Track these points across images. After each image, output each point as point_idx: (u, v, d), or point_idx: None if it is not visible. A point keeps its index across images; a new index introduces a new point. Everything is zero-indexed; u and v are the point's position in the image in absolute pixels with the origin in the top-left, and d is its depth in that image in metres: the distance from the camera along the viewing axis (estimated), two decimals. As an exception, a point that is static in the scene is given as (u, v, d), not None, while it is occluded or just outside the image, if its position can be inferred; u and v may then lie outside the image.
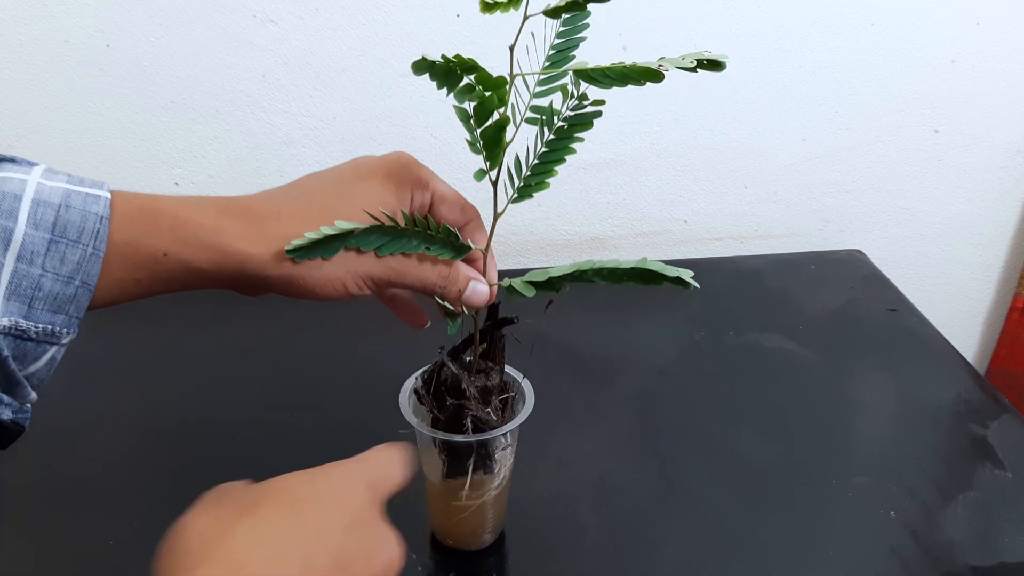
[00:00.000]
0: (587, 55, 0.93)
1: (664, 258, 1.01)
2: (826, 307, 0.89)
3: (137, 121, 0.84)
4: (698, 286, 0.45)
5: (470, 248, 0.48)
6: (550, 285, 0.50)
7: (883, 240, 1.06)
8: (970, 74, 0.97)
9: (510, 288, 0.49)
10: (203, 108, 0.84)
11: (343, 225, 0.44)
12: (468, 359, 0.53)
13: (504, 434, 0.52)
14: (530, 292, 0.50)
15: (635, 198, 0.98)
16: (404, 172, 0.48)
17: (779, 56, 0.92)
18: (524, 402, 0.53)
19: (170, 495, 0.62)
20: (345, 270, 0.45)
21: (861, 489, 0.64)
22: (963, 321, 1.16)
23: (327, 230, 0.44)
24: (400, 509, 0.61)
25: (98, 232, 0.40)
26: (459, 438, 0.51)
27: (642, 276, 0.47)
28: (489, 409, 0.52)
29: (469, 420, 0.50)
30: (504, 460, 0.54)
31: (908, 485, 0.65)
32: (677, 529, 0.61)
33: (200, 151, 0.86)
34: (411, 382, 0.55)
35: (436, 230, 0.47)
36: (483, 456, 0.53)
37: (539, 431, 0.67)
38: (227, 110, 0.85)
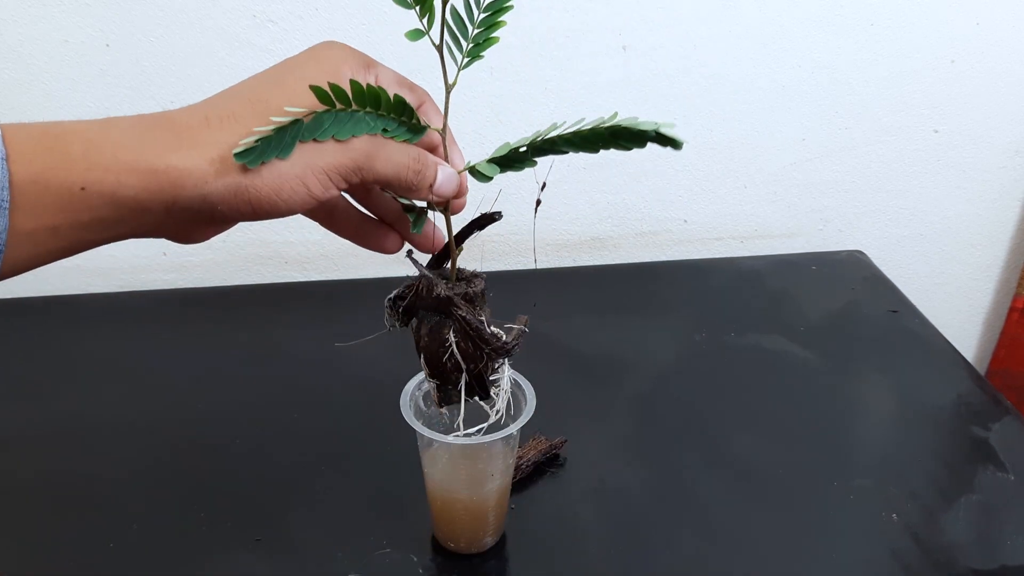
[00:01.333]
0: (587, 55, 0.93)
1: (664, 258, 1.02)
2: (827, 308, 0.88)
3: (137, 121, 0.84)
4: (686, 140, 0.40)
5: (426, 128, 0.43)
6: (515, 160, 0.44)
7: (883, 240, 1.06)
8: (970, 74, 0.96)
9: (472, 170, 0.44)
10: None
11: (293, 110, 0.37)
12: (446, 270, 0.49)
13: (503, 355, 0.48)
14: (493, 172, 0.44)
15: (635, 198, 0.98)
16: (339, 54, 0.41)
17: (779, 56, 0.92)
18: (525, 404, 0.53)
19: (170, 497, 0.62)
20: (304, 166, 0.38)
21: (862, 491, 0.64)
22: (963, 321, 1.16)
23: (277, 119, 0.37)
24: (401, 512, 0.61)
25: None
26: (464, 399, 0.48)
27: (617, 136, 0.42)
28: (482, 318, 0.47)
29: (452, 335, 0.46)
30: (502, 382, 0.50)
31: (909, 487, 0.65)
32: (678, 531, 0.61)
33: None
34: (412, 383, 0.55)
35: (389, 105, 0.40)
36: (477, 376, 0.48)
37: (540, 432, 0.67)
38: (227, 110, 0.84)
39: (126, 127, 0.36)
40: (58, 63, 0.81)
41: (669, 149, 0.39)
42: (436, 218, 0.48)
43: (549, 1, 0.84)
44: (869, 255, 1.01)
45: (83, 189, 0.35)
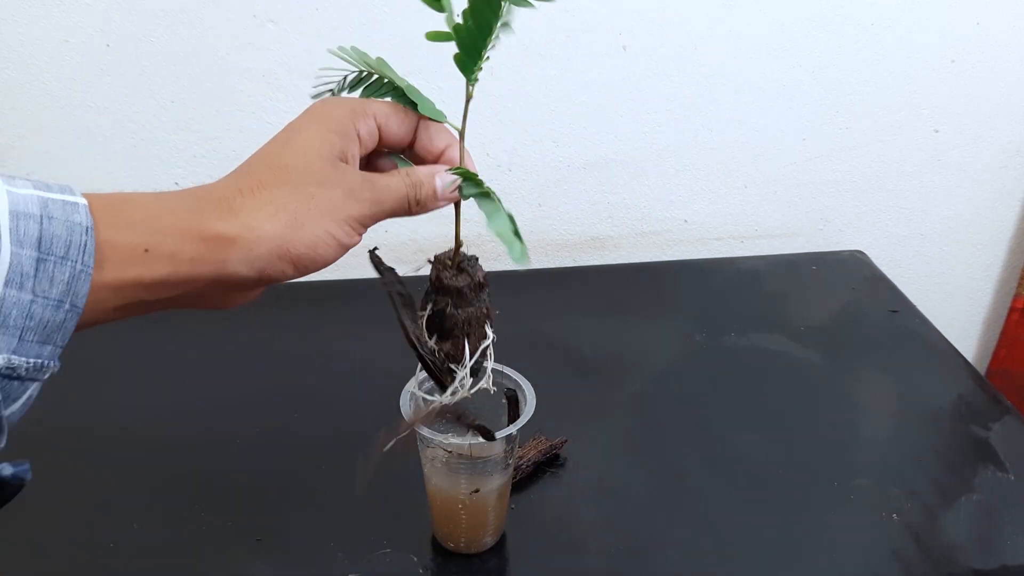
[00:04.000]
0: (587, 55, 0.93)
1: (664, 258, 1.02)
2: (827, 308, 0.88)
3: (137, 121, 0.84)
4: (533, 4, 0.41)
5: (441, 119, 0.47)
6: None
7: (883, 240, 1.06)
8: (970, 74, 0.96)
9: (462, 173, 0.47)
10: (203, 108, 0.84)
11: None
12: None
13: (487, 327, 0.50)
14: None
15: (635, 198, 0.98)
16: (335, 110, 0.45)
17: (779, 56, 0.92)
18: (525, 404, 0.53)
19: (170, 497, 0.62)
20: (329, 223, 0.42)
21: (862, 491, 0.64)
22: (963, 321, 1.16)
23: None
24: (401, 512, 0.61)
25: (85, 246, 0.35)
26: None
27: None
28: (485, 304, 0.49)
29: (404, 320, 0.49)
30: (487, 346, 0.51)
31: (910, 487, 0.65)
32: (678, 531, 0.61)
33: (200, 151, 0.86)
34: (412, 383, 0.55)
35: None
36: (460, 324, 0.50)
37: (540, 432, 0.67)
38: (227, 110, 0.84)
39: (176, 200, 0.40)
40: (58, 63, 0.81)
41: None
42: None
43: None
44: (869, 255, 1.01)
45: (147, 251, 0.38)
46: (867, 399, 0.75)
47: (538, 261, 1.00)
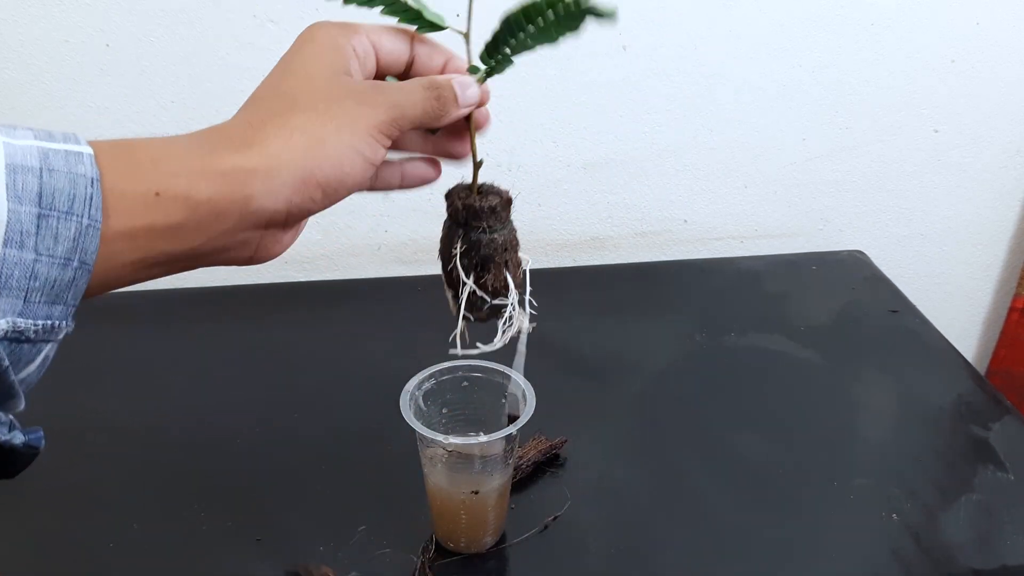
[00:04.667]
0: (587, 55, 0.93)
1: (664, 258, 1.02)
2: (827, 308, 0.88)
3: (137, 121, 0.84)
4: (614, 8, 0.40)
5: (441, 23, 0.45)
6: (496, 50, 0.46)
7: (883, 240, 1.06)
8: (970, 74, 0.97)
9: (472, 70, 0.47)
10: (203, 108, 0.84)
11: None
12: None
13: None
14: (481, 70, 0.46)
15: (635, 198, 0.98)
16: (328, 30, 0.43)
17: (779, 56, 0.92)
18: (525, 404, 0.53)
19: (171, 497, 0.62)
20: (350, 135, 0.40)
21: (862, 491, 0.64)
22: (963, 321, 1.16)
23: None
24: (401, 512, 0.61)
25: (91, 198, 0.33)
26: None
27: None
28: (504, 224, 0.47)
29: (458, 245, 0.46)
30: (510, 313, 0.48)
31: (909, 487, 0.65)
32: (678, 531, 0.61)
33: (200, 151, 0.86)
34: (412, 383, 0.55)
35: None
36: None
37: (540, 432, 0.67)
38: (227, 110, 0.83)
39: (186, 140, 0.38)
40: (58, 63, 0.81)
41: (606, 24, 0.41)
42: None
43: (549, 1, 0.84)
44: (869, 255, 1.01)
45: (157, 194, 0.35)
46: (867, 399, 0.75)
47: (538, 261, 1.00)
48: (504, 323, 0.48)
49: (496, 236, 0.47)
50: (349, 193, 0.41)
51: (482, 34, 0.44)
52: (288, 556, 0.57)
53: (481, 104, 0.47)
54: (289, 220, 0.40)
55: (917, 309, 0.89)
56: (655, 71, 0.90)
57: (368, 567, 0.56)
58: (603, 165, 0.95)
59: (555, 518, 0.61)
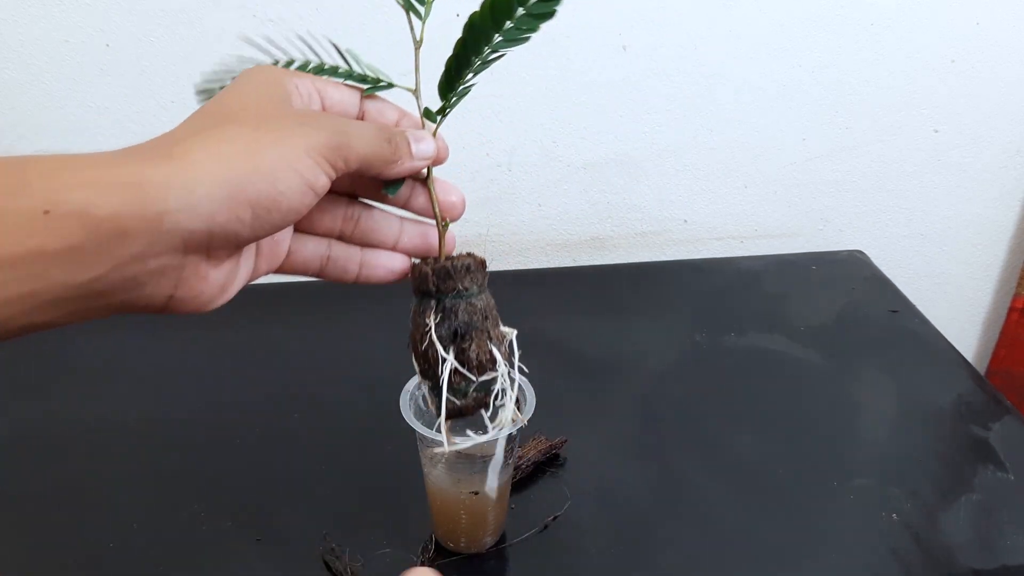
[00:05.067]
0: (587, 55, 0.93)
1: (664, 258, 1.02)
2: (827, 308, 0.88)
3: (137, 121, 0.84)
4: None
5: (388, 80, 0.42)
6: (451, 83, 0.41)
7: (883, 240, 1.06)
8: (970, 74, 0.97)
9: (428, 115, 0.43)
10: (203, 108, 0.84)
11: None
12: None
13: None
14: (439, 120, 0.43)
15: (635, 198, 0.98)
16: (269, 69, 0.40)
17: (779, 56, 0.92)
18: (525, 404, 0.53)
19: (171, 497, 0.62)
20: (288, 151, 0.35)
21: (862, 491, 0.64)
22: (963, 321, 1.16)
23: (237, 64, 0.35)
24: (401, 512, 0.61)
25: None
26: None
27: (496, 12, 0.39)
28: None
29: (431, 316, 0.40)
30: (503, 384, 0.43)
31: (910, 487, 0.65)
32: (678, 531, 0.61)
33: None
34: (412, 383, 0.55)
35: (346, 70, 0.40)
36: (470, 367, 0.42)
37: (540, 432, 0.67)
38: (227, 110, 0.84)
39: (89, 156, 0.32)
40: (58, 63, 0.81)
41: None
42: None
43: None
44: (869, 255, 1.01)
45: (47, 212, 0.29)
46: (867, 399, 0.75)
47: (538, 261, 1.00)
48: (496, 399, 0.42)
49: (474, 300, 0.42)
50: (285, 221, 0.35)
51: (431, 91, 0.42)
52: (288, 556, 0.57)
53: (438, 162, 0.43)
54: (213, 245, 0.34)
55: (917, 309, 0.89)
56: (655, 71, 0.90)
57: (368, 567, 0.56)
58: (603, 165, 0.95)
59: (555, 518, 0.61)
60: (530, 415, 0.52)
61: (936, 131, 1.00)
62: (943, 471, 0.66)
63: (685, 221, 1.01)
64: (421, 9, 0.42)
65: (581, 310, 0.87)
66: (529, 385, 0.54)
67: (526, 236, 0.98)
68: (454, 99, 0.42)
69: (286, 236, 0.42)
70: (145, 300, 0.33)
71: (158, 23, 0.80)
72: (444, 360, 0.40)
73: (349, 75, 0.42)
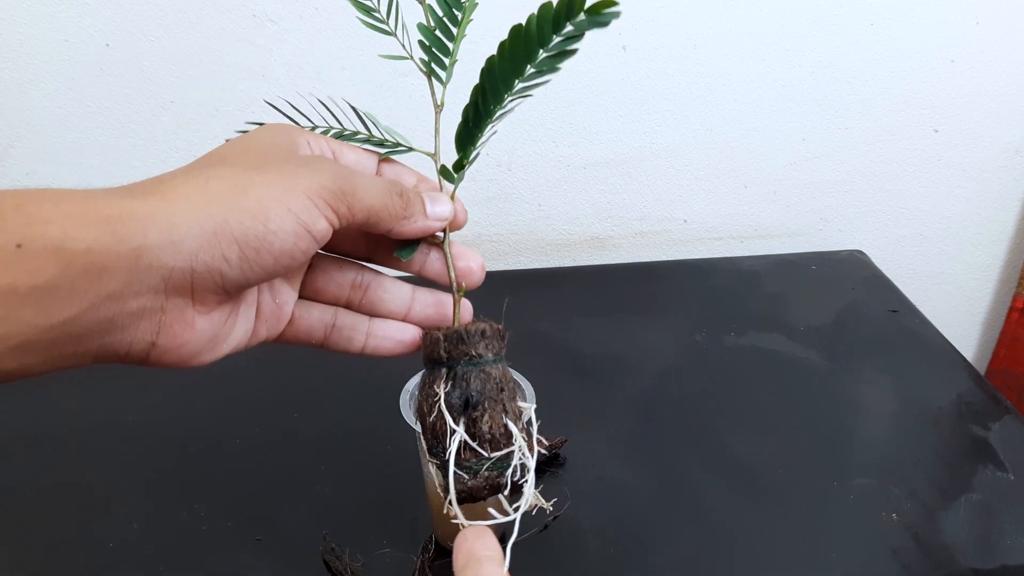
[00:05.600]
0: (587, 55, 0.93)
1: (664, 258, 1.02)
2: (827, 308, 0.88)
3: (137, 121, 0.84)
4: (617, 9, 0.35)
5: (407, 144, 0.40)
6: (469, 135, 0.39)
7: (882, 240, 1.06)
8: (970, 74, 0.96)
9: (445, 173, 0.41)
10: (203, 108, 0.84)
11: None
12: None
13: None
14: (466, 158, 0.41)
15: (635, 198, 0.98)
16: (277, 127, 0.38)
17: (779, 56, 0.92)
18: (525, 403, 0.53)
19: (170, 497, 0.62)
20: (283, 190, 0.32)
21: (862, 491, 0.64)
22: (962, 321, 1.16)
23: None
24: (401, 512, 0.61)
25: None
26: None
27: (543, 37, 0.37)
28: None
29: (441, 385, 0.38)
30: (521, 458, 0.39)
31: (909, 487, 0.65)
32: (677, 531, 0.61)
33: (200, 151, 0.85)
34: (412, 383, 0.55)
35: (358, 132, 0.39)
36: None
37: (539, 432, 0.67)
38: (227, 110, 0.84)
39: (69, 190, 0.30)
40: (58, 63, 0.81)
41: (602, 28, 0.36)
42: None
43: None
44: (869, 255, 1.01)
45: (19, 247, 0.27)
46: (867, 399, 0.75)
47: (538, 261, 1.00)
48: (516, 475, 0.38)
49: (489, 369, 0.38)
50: (277, 265, 0.33)
51: (450, 155, 0.41)
52: (288, 556, 0.57)
53: (456, 226, 0.41)
54: (197, 287, 0.32)
55: (917, 309, 0.89)
56: (655, 71, 0.90)
57: (368, 567, 0.56)
58: (603, 165, 0.95)
59: (555, 518, 0.61)
60: (529, 415, 0.52)
61: (936, 131, 1.00)
62: (943, 471, 0.66)
63: (685, 221, 1.01)
64: (443, 74, 0.41)
65: (581, 310, 0.87)
66: (529, 385, 0.54)
67: (526, 236, 0.98)
68: (473, 153, 0.40)
69: (289, 299, 0.41)
70: (125, 347, 0.32)
71: (158, 23, 0.80)
72: (453, 432, 0.37)
73: (368, 140, 0.41)
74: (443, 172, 0.41)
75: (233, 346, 0.38)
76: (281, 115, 0.43)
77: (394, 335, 0.43)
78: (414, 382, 0.55)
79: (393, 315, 0.43)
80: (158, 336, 0.32)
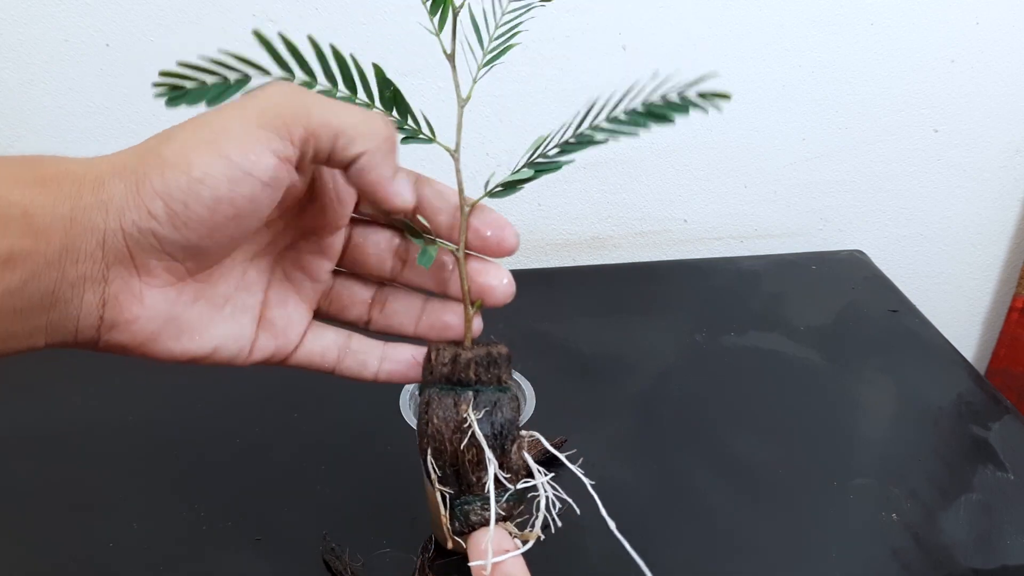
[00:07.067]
0: (586, 55, 0.93)
1: (664, 258, 1.02)
2: (827, 308, 0.88)
3: (137, 121, 0.84)
4: (729, 93, 0.33)
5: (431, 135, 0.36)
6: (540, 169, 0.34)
7: (882, 239, 1.06)
8: (970, 74, 0.96)
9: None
10: (203, 108, 0.84)
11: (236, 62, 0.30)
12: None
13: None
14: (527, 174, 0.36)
15: (635, 198, 0.98)
16: (283, 86, 0.32)
17: (779, 56, 0.92)
18: (525, 404, 0.53)
19: (170, 496, 0.62)
20: (219, 128, 0.29)
21: (862, 491, 0.64)
22: (962, 321, 1.16)
23: (206, 60, 0.29)
24: (401, 512, 0.61)
25: None
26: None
27: (654, 114, 0.35)
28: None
29: (471, 410, 0.35)
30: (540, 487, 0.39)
31: (909, 487, 0.65)
32: (677, 531, 0.61)
33: (200, 151, 0.86)
34: (412, 383, 0.54)
35: (371, 91, 0.34)
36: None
37: (539, 432, 0.66)
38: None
39: (12, 156, 0.29)
40: (58, 63, 0.81)
41: (717, 105, 0.33)
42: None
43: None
44: (869, 255, 1.01)
45: None
46: (867, 399, 0.75)
47: (538, 261, 1.00)
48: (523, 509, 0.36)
49: (511, 397, 0.36)
50: (218, 218, 0.29)
51: (471, 155, 0.39)
52: (288, 556, 0.57)
53: (498, 249, 0.37)
54: (135, 252, 0.29)
55: (917, 309, 0.89)
56: (655, 71, 0.90)
57: (368, 567, 0.56)
58: (603, 165, 0.95)
59: (558, 512, 0.61)
60: (530, 415, 0.52)
61: (936, 131, 1.00)
62: (943, 471, 0.66)
63: (685, 221, 1.01)
64: (473, 67, 0.36)
65: (581, 310, 0.87)
66: (529, 385, 0.54)
67: (526, 236, 0.98)
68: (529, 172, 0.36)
69: (297, 312, 0.39)
70: (73, 322, 0.30)
71: (158, 23, 0.80)
72: (490, 462, 0.35)
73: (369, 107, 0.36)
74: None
75: (216, 343, 0.35)
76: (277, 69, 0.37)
77: (409, 358, 0.41)
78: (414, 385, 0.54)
79: (404, 328, 0.41)
80: (104, 309, 0.30)
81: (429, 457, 0.36)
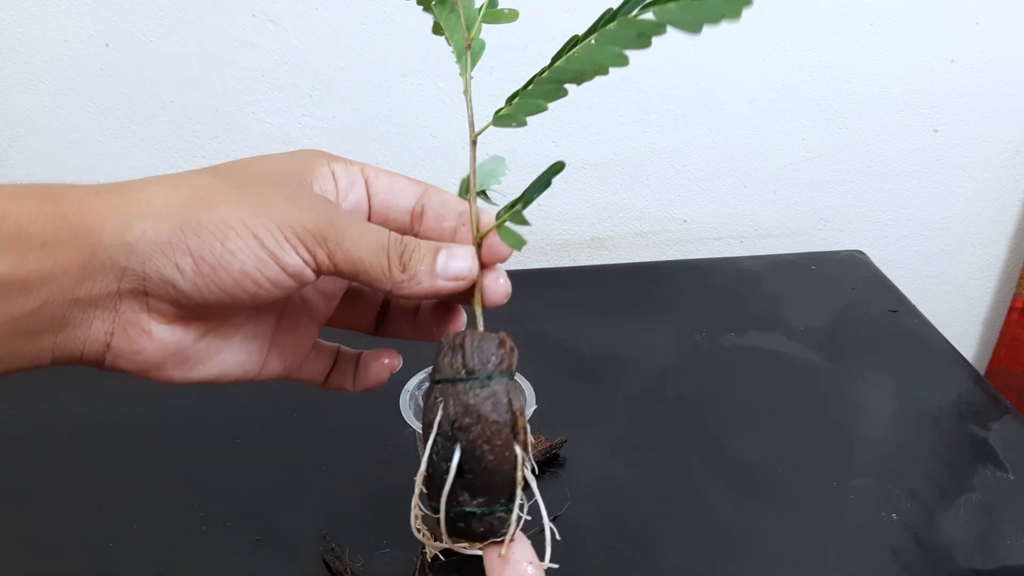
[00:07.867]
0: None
1: (664, 258, 1.02)
2: (827, 308, 0.88)
3: (137, 121, 0.84)
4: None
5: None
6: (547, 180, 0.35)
7: (882, 240, 1.06)
8: (969, 74, 0.96)
9: (505, 232, 0.37)
10: (203, 108, 0.84)
11: None
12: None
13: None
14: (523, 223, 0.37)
15: (635, 198, 0.98)
16: (312, 152, 0.35)
17: (779, 56, 0.92)
18: (525, 403, 0.53)
19: (170, 496, 0.62)
20: (250, 214, 0.30)
21: (862, 491, 0.64)
22: (962, 321, 1.16)
23: None
24: (401, 512, 0.61)
25: None
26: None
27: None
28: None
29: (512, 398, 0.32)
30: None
31: (909, 487, 0.65)
32: (678, 531, 0.61)
33: (200, 151, 0.86)
34: (412, 383, 0.55)
35: None
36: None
37: (540, 432, 0.67)
38: (226, 110, 0.84)
39: (32, 185, 0.29)
40: (58, 63, 0.81)
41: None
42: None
43: (549, 1, 0.84)
44: (869, 255, 1.01)
45: None
46: (867, 399, 0.75)
47: (538, 261, 1.00)
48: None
49: (513, 402, 0.34)
50: (239, 289, 0.31)
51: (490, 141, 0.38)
52: (288, 556, 0.57)
53: (490, 302, 0.37)
54: (151, 294, 0.31)
55: (917, 309, 0.89)
56: (655, 71, 0.90)
57: (368, 567, 0.56)
58: (603, 165, 0.95)
59: (555, 518, 0.61)
60: (529, 415, 0.52)
61: (936, 131, 1.00)
62: (943, 471, 0.66)
63: (685, 221, 1.01)
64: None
65: (581, 310, 0.87)
66: (529, 385, 0.54)
67: (525, 236, 0.98)
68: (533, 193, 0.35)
69: (308, 339, 0.40)
70: (80, 346, 0.31)
71: (158, 23, 0.80)
72: (522, 460, 0.33)
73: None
74: (481, 195, 0.38)
75: (223, 369, 0.35)
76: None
77: (383, 360, 0.42)
78: (414, 382, 0.55)
79: (403, 332, 0.43)
80: (112, 338, 0.31)
81: (457, 452, 0.32)
